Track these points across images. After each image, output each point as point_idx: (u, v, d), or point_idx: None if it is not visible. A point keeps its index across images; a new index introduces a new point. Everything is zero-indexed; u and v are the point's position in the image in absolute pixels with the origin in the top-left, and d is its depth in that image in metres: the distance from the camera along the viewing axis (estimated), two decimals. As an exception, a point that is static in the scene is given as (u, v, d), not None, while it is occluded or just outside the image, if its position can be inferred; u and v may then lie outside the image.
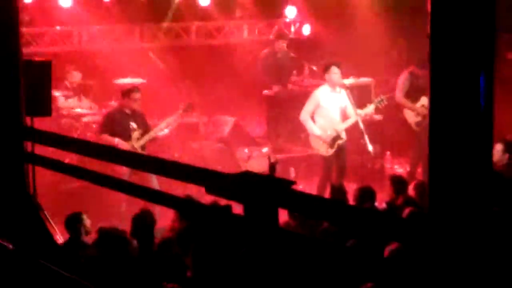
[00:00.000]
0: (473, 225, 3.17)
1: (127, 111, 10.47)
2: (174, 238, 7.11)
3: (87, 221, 7.69)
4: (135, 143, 10.38)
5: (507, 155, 9.11)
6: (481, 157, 3.25)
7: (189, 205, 4.51)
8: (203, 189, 3.79)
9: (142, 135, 10.45)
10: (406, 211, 7.22)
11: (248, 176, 3.54)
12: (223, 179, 3.64)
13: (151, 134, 10.55)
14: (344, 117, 10.84)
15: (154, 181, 9.74)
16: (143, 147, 10.45)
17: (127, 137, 10.37)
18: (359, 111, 10.73)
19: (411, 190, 8.56)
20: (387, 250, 6.15)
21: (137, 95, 10.48)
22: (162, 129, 10.71)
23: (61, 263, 6.78)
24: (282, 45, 13.86)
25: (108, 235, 7.25)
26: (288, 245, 3.45)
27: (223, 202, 6.49)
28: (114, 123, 10.46)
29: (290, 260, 3.47)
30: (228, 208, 3.84)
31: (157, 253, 6.88)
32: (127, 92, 10.56)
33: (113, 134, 10.36)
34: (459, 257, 3.05)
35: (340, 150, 10.90)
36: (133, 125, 10.42)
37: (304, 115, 10.96)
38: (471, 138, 3.21)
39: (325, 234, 6.96)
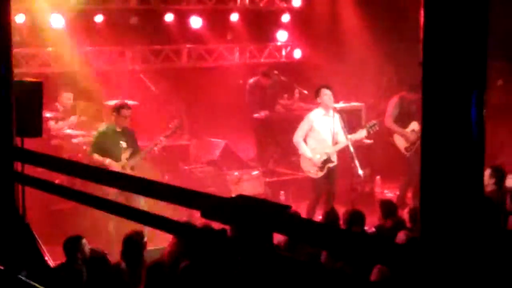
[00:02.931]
0: (465, 250, 3.19)
1: (118, 128, 10.43)
2: (165, 261, 7.09)
3: (86, 247, 7.49)
4: (125, 163, 10.34)
5: (493, 180, 9.22)
6: (472, 183, 3.27)
7: (182, 228, 4.50)
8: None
9: (132, 155, 10.43)
10: (401, 234, 7.24)
11: (243, 200, 3.55)
12: (218, 203, 3.64)
13: (142, 154, 10.57)
14: (335, 140, 10.88)
15: (141, 202, 9.67)
16: (133, 168, 10.42)
17: (117, 156, 10.33)
18: (350, 136, 10.77)
19: (405, 215, 8.61)
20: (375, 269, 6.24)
21: (127, 112, 10.44)
22: (153, 148, 10.70)
23: (51, 285, 6.77)
24: (268, 80, 13.96)
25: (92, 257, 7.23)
26: (282, 269, 3.46)
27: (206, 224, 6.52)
28: (105, 141, 10.40)
29: (285, 285, 3.48)
30: (223, 232, 3.83)
31: (147, 275, 6.84)
32: (117, 109, 10.52)
33: (103, 153, 10.31)
34: (451, 282, 3.06)
35: (330, 174, 10.94)
36: (123, 144, 10.38)
37: (297, 137, 11.02)
38: (463, 164, 3.23)
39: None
